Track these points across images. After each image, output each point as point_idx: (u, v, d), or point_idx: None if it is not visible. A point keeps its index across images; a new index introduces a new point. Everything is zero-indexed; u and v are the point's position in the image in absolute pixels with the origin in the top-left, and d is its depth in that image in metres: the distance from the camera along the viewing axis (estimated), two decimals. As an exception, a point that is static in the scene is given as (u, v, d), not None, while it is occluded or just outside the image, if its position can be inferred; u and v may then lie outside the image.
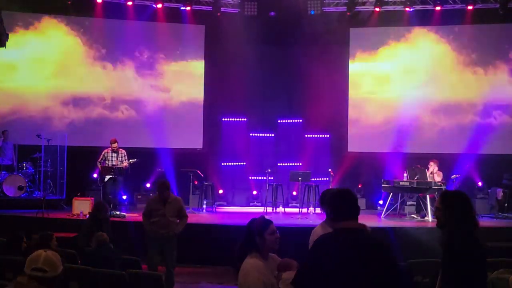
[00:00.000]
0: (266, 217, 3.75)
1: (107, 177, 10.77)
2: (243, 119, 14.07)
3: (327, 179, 12.34)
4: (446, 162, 12.04)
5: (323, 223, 4.35)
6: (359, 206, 3.03)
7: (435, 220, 10.23)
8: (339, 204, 3.00)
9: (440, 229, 3.36)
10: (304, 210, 11.53)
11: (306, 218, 11.02)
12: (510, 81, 13.10)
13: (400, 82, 13.69)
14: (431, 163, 11.30)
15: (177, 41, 13.87)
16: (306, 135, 13.98)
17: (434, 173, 11.19)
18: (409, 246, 9.03)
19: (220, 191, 13.53)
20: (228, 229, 9.57)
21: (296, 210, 11.85)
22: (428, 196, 10.68)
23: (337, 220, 2.96)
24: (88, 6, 13.08)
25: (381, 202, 12.55)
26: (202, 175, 12.26)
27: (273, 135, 14.12)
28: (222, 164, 13.84)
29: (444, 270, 3.20)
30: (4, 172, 11.76)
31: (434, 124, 13.36)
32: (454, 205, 3.27)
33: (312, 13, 13.39)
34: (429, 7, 13.08)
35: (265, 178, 12.30)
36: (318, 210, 11.55)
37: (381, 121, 13.65)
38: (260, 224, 3.63)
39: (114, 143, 10.93)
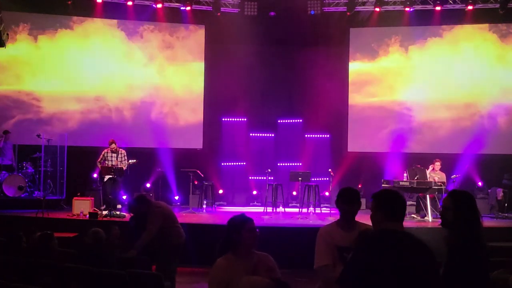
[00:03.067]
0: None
1: (107, 177, 10.77)
2: (243, 119, 14.07)
3: (327, 179, 12.34)
4: (446, 162, 12.03)
5: (333, 223, 4.16)
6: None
7: (435, 220, 10.13)
8: (395, 205, 3.06)
9: (446, 228, 3.35)
10: (304, 210, 11.52)
11: (306, 218, 11.02)
12: (509, 81, 13.10)
13: (399, 82, 13.69)
14: (437, 163, 11.28)
15: (177, 41, 13.87)
16: (306, 135, 13.99)
17: (437, 173, 11.19)
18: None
19: (220, 191, 13.53)
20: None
21: (296, 210, 11.84)
22: (428, 196, 10.68)
23: (390, 221, 3.01)
24: (88, 6, 13.07)
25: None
26: (202, 175, 12.26)
27: (273, 135, 14.13)
28: (222, 164, 13.84)
29: (447, 270, 3.19)
30: (4, 172, 11.76)
31: (434, 124, 13.35)
32: (463, 205, 3.27)
33: (312, 13, 13.40)
34: (429, 7, 13.08)
35: (265, 178, 12.30)
36: (318, 210, 11.56)
37: (381, 121, 13.64)
38: (239, 221, 3.58)
39: (112, 143, 10.93)
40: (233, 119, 14.09)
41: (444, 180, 11.15)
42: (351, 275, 2.85)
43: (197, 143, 13.75)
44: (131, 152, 11.39)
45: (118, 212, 10.47)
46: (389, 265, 2.72)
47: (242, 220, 3.58)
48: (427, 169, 11.17)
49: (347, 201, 4.00)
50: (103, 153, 10.98)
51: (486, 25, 13.28)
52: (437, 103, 13.39)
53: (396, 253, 2.76)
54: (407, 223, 10.48)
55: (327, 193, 12.91)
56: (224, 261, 3.49)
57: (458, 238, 3.19)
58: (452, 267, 3.15)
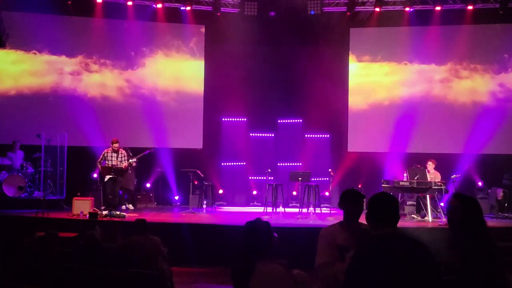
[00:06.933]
0: (266, 217, 3.78)
1: (107, 177, 10.76)
2: (243, 119, 14.07)
3: (327, 179, 12.35)
4: (446, 162, 12.03)
5: (336, 224, 4.16)
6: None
7: (435, 220, 10.08)
8: (386, 209, 3.12)
9: (453, 230, 3.35)
10: (304, 210, 11.52)
11: (306, 218, 11.02)
12: (510, 81, 13.10)
13: (399, 82, 13.69)
14: (429, 163, 11.31)
15: (177, 41, 13.87)
16: (306, 135, 14.00)
17: (431, 173, 11.19)
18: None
19: (220, 191, 13.54)
20: (228, 229, 9.55)
21: (296, 210, 11.83)
22: (428, 196, 10.68)
23: (382, 225, 3.05)
24: (88, 6, 13.07)
25: (381, 202, 12.52)
26: (202, 175, 12.25)
27: (273, 135, 14.14)
28: (222, 164, 13.84)
29: (464, 272, 3.18)
30: (4, 172, 11.76)
31: (434, 124, 13.33)
32: (472, 206, 3.29)
33: (312, 13, 13.41)
34: (429, 7, 13.09)
35: (265, 178, 12.29)
36: (318, 210, 11.56)
37: (381, 121, 13.63)
38: (269, 226, 3.64)
39: (116, 143, 10.92)
40: (233, 119, 14.09)
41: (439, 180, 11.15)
42: (353, 279, 2.88)
43: (197, 143, 13.75)
44: (132, 152, 11.39)
45: (118, 212, 10.46)
46: (389, 267, 2.74)
47: (269, 226, 3.66)
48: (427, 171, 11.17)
49: (351, 201, 4.01)
50: (103, 153, 10.98)
51: (486, 25, 13.27)
52: (437, 102, 13.39)
53: (395, 255, 2.79)
54: (407, 223, 10.52)
55: (327, 193, 12.91)
56: (279, 268, 3.53)
57: (471, 239, 3.19)
58: (468, 269, 3.14)
